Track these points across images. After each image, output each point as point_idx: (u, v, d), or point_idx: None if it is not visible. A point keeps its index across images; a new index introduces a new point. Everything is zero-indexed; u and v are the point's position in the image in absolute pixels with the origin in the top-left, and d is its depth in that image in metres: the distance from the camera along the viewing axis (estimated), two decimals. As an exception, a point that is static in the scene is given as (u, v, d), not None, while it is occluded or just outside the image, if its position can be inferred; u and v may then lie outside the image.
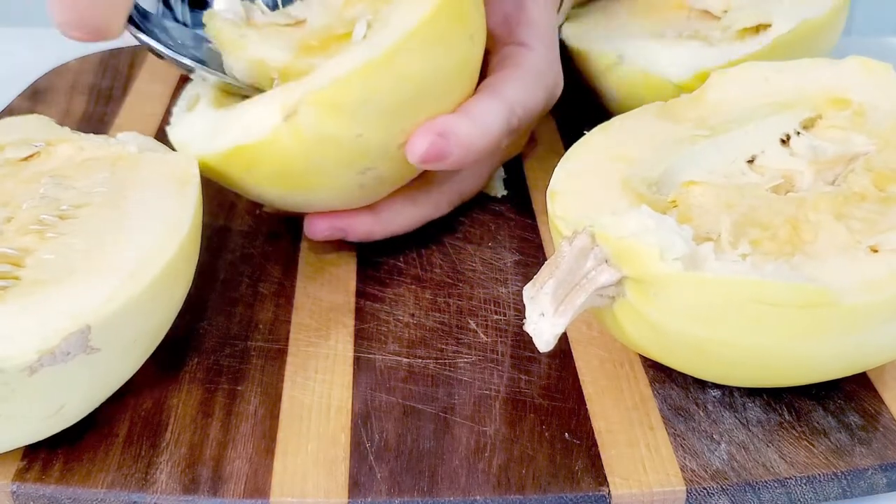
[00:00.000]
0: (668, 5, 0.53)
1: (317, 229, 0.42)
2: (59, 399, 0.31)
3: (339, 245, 0.44)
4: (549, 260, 0.32)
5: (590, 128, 0.40)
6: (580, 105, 0.55)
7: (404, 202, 0.43)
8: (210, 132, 0.38)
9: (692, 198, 0.36)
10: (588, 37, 0.51)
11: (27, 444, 0.33)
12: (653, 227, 0.31)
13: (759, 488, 0.33)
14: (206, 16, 0.41)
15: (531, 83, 0.42)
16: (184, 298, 0.36)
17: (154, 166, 0.37)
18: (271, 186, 0.39)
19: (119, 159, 0.37)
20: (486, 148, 0.40)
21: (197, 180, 0.37)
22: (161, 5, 0.43)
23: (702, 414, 0.35)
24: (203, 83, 0.42)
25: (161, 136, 0.52)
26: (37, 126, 0.40)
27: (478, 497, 0.32)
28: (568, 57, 0.52)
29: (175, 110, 0.42)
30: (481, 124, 0.39)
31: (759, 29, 0.48)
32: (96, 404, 0.34)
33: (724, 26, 0.49)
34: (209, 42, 0.41)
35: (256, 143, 0.37)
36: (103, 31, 0.36)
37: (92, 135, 0.39)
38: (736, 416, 0.35)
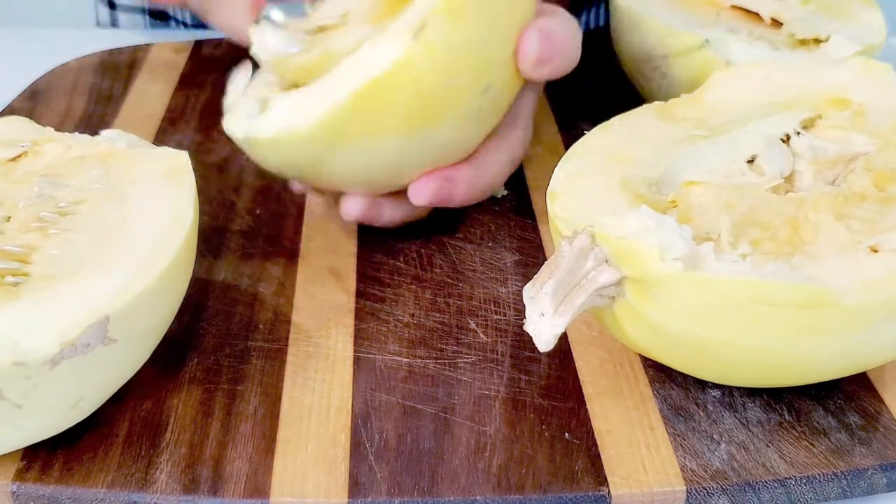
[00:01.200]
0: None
1: (421, 193, 0.41)
2: (78, 391, 0.31)
3: (339, 244, 0.44)
4: (548, 260, 0.32)
5: (590, 128, 0.40)
6: (580, 105, 0.55)
7: (491, 145, 0.43)
8: (312, 101, 0.38)
9: (692, 198, 0.36)
10: (660, 13, 0.50)
11: (46, 438, 0.33)
12: (653, 227, 0.31)
13: (758, 488, 0.33)
14: (276, 65, 0.42)
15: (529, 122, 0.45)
16: (187, 287, 0.36)
17: (146, 162, 0.38)
18: (398, 128, 0.38)
19: (109, 156, 0.38)
20: (575, 54, 0.42)
21: (191, 171, 0.37)
22: None
23: (702, 414, 0.35)
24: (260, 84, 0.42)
25: (161, 135, 0.52)
26: (18, 127, 0.40)
27: (478, 497, 0.32)
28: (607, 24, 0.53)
29: (241, 118, 0.40)
30: (570, 30, 0.41)
31: (806, 41, 0.49)
32: (110, 395, 0.34)
33: (789, 33, 0.49)
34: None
35: (391, 71, 0.36)
36: None
37: (77, 133, 0.39)
38: (736, 416, 0.35)
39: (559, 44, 0.40)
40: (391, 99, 0.37)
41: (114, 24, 0.78)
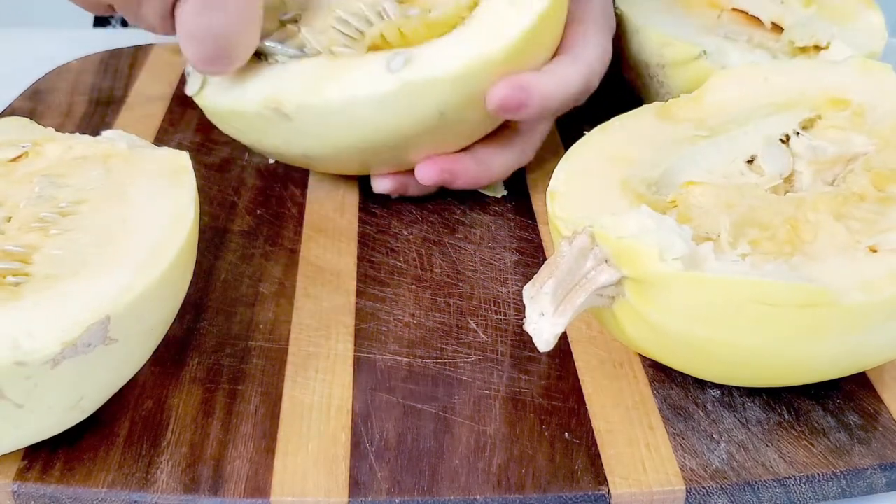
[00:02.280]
0: (701, 1, 0.53)
1: (427, 175, 0.44)
2: (79, 391, 0.31)
3: (339, 244, 0.44)
4: (548, 260, 0.33)
5: (590, 128, 0.40)
6: (580, 105, 0.55)
7: (496, 148, 0.46)
8: (498, 29, 0.41)
9: (692, 198, 0.36)
10: (659, 21, 0.51)
11: (46, 437, 0.33)
12: (652, 227, 0.31)
13: (758, 488, 0.33)
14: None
15: (603, 39, 0.46)
16: (187, 287, 0.36)
17: (147, 161, 0.38)
18: (546, 55, 0.44)
19: (110, 157, 0.38)
20: (564, 102, 0.44)
21: (191, 171, 0.37)
22: None
23: (701, 413, 0.35)
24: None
25: (162, 135, 0.52)
26: (19, 127, 0.40)
27: (478, 496, 0.32)
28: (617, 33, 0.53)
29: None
30: (561, 79, 0.43)
31: (806, 48, 0.49)
32: (111, 395, 0.34)
33: (789, 41, 0.49)
34: None
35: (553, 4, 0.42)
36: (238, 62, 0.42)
37: (77, 134, 0.39)
38: (735, 416, 0.35)
39: (538, 94, 0.42)
40: (552, 27, 0.43)
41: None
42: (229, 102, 0.44)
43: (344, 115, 0.41)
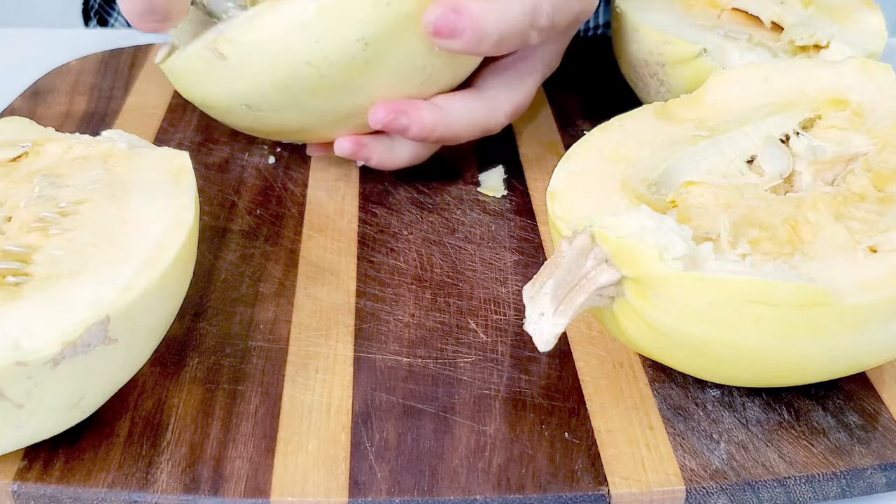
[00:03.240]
0: (701, 0, 0.53)
1: (377, 116, 0.42)
2: (79, 391, 0.31)
3: (339, 244, 0.44)
4: (548, 260, 0.33)
5: (590, 128, 0.40)
6: (580, 105, 0.55)
7: (462, 99, 0.44)
8: None
9: (691, 198, 0.36)
10: (659, 19, 0.51)
11: (47, 437, 0.33)
12: (652, 227, 0.31)
13: (758, 488, 0.33)
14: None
15: None
16: (187, 287, 0.36)
17: (147, 161, 0.38)
18: None
19: (110, 157, 0.38)
20: (503, 33, 0.40)
21: (191, 171, 0.37)
22: None
23: (701, 413, 0.35)
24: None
25: (162, 135, 0.52)
26: (19, 127, 0.40)
27: (478, 496, 0.32)
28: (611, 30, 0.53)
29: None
30: (499, 8, 0.40)
31: (806, 47, 0.49)
32: (111, 395, 0.34)
33: (789, 40, 0.49)
34: None
35: None
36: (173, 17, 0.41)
37: (77, 134, 0.40)
38: (735, 416, 0.35)
39: (470, 18, 0.39)
40: None
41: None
42: (183, 57, 0.44)
43: (269, 47, 0.41)
